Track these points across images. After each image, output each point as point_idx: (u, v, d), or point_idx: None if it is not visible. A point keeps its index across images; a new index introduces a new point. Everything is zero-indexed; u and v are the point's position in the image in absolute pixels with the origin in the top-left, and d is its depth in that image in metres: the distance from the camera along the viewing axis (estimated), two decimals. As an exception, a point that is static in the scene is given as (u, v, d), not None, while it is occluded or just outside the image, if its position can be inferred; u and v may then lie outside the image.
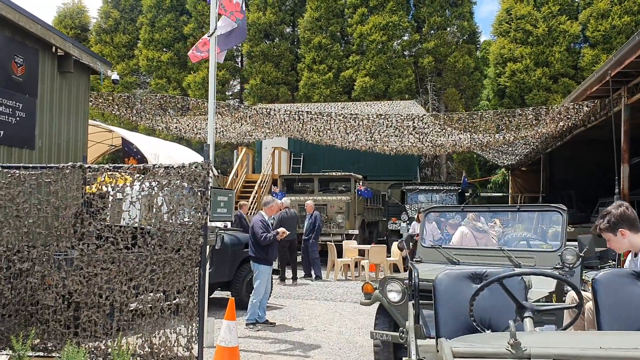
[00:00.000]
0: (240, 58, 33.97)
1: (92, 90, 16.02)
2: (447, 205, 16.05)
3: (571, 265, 5.76)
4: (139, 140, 18.63)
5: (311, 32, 30.93)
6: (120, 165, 6.81)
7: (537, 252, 6.27)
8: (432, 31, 30.71)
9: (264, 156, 25.02)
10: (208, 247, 6.38)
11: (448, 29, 30.81)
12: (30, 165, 7.12)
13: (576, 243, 5.91)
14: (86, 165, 6.83)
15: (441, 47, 30.17)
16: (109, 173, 6.72)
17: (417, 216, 11.14)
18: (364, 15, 30.60)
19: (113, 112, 13.83)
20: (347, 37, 32.06)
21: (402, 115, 11.70)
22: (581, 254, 5.72)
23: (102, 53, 33.36)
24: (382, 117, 11.68)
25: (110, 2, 34.73)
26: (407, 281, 5.23)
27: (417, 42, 30.87)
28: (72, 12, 36.58)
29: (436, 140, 12.68)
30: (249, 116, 12.26)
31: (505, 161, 23.92)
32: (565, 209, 6.14)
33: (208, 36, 8.21)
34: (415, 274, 3.46)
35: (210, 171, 6.49)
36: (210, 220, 6.58)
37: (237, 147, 25.34)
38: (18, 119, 10.05)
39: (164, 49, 32.32)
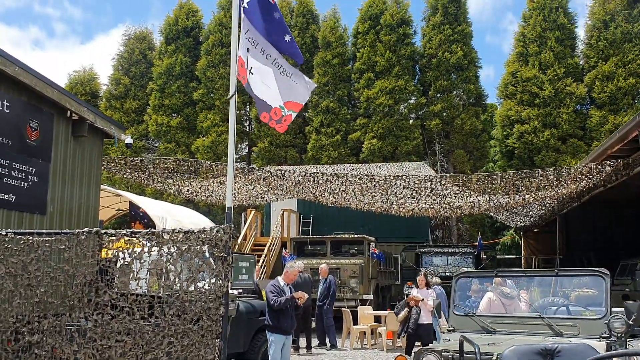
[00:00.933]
0: (248, 122, 34.25)
1: (105, 155, 16.07)
2: (469, 269, 15.62)
3: (620, 334, 5.38)
4: (146, 204, 18.42)
5: (319, 96, 31.30)
6: (138, 230, 6.54)
7: (580, 319, 5.88)
8: (438, 94, 31.02)
9: (272, 218, 24.75)
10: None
11: (454, 92, 31.11)
12: (44, 231, 6.86)
13: (623, 310, 5.54)
14: (102, 231, 6.56)
15: (448, 110, 30.40)
16: (126, 239, 6.44)
17: (418, 281, 10.70)
18: (370, 80, 31.03)
19: (125, 176, 13.68)
20: (354, 100, 32.43)
21: (419, 177, 11.50)
22: (630, 322, 5.35)
23: (112, 118, 33.59)
24: (399, 178, 11.48)
25: (121, 69, 35.38)
26: (450, 354, 4.85)
27: (423, 105, 31.14)
28: (83, 79, 37.23)
29: (454, 202, 12.43)
30: (263, 178, 12.07)
31: (518, 222, 23.56)
32: (608, 272, 5.81)
33: (228, 98, 8.10)
34: (477, 350, 3.12)
35: (232, 236, 6.20)
36: (231, 288, 6.25)
37: (245, 210, 25.11)
38: (30, 183, 9.87)
39: (173, 114, 32.66)
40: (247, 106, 33.68)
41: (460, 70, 31.01)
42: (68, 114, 11.07)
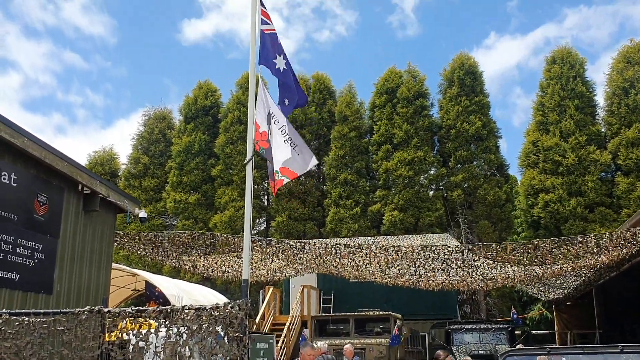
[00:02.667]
0: (266, 197, 33.91)
1: (117, 230, 15.60)
2: (503, 346, 14.50)
3: None
4: (162, 283, 17.74)
5: (337, 169, 31.02)
6: (144, 308, 5.86)
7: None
8: (459, 165, 30.56)
9: (291, 295, 23.81)
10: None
11: (475, 162, 30.63)
12: (42, 310, 6.21)
13: None
14: (105, 310, 5.89)
15: (469, 180, 29.82)
16: (131, 318, 5.76)
17: None
18: (388, 152, 30.78)
19: (139, 252, 13.11)
20: (372, 172, 32.08)
21: (449, 247, 10.76)
22: None
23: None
24: (428, 249, 10.74)
25: (140, 148, 35.64)
26: None
27: (444, 176, 30.65)
28: (102, 159, 37.51)
29: (487, 274, 11.61)
30: (282, 251, 11.41)
31: (550, 295, 22.34)
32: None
33: (245, 163, 7.63)
34: None
35: (248, 313, 5.51)
36: (248, 373, 5.49)
37: (263, 287, 24.24)
38: (36, 261, 9.31)
39: (192, 191, 32.49)
40: (265, 181, 33.43)
41: (479, 140, 30.67)
42: (79, 187, 10.66)
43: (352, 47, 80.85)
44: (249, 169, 7.41)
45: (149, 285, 18.79)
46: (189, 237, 12.03)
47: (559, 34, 76.67)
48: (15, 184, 8.91)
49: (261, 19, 8.20)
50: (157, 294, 18.08)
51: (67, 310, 6.05)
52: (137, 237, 12.29)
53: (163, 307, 5.74)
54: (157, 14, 79.35)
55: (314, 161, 8.16)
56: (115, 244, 13.93)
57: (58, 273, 9.84)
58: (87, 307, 5.92)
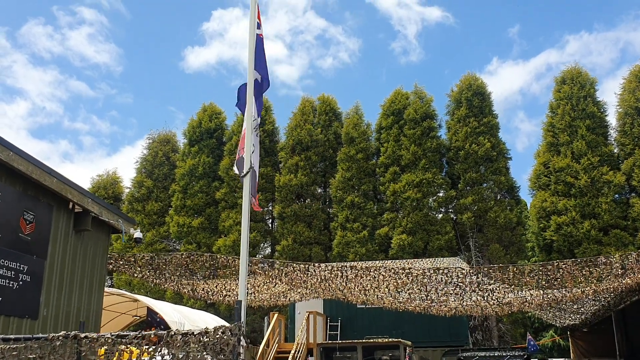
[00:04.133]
0: (271, 220, 33.27)
1: (113, 252, 14.96)
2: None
3: None
4: (163, 309, 17.06)
5: (343, 191, 30.40)
6: (124, 333, 5.22)
7: None
8: (468, 187, 29.87)
9: (297, 322, 22.99)
10: None
11: (484, 184, 29.94)
12: (11, 336, 5.57)
13: None
14: (82, 335, 5.25)
15: (479, 203, 29.10)
16: (110, 344, 5.12)
17: None
18: (396, 174, 30.17)
19: (136, 276, 12.47)
20: (380, 195, 31.43)
21: (463, 269, 10.07)
22: None
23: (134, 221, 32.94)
24: (441, 272, 10.06)
25: (144, 172, 35.19)
26: None
27: (453, 198, 29.96)
28: (106, 183, 37.07)
29: (503, 298, 10.88)
30: (285, 274, 10.75)
31: (566, 321, 21.43)
32: None
33: (242, 176, 7.04)
34: None
35: (242, 338, 4.86)
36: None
37: (267, 314, 23.45)
38: (21, 283, 8.67)
39: (195, 215, 31.90)
40: (270, 204, 32.85)
41: (489, 162, 30.03)
42: (70, 205, 10.08)
43: (355, 73, 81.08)
44: (246, 182, 6.84)
45: (151, 312, 18.10)
46: (187, 259, 11.39)
47: (561, 60, 76.70)
48: (-1, 201, 8.34)
49: (257, 22, 7.73)
50: (158, 320, 17.43)
51: (40, 335, 5.42)
52: (133, 259, 11.68)
53: (145, 333, 5.10)
54: (162, 43, 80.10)
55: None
56: (110, 266, 13.34)
57: (45, 296, 9.20)
58: (62, 333, 5.29)
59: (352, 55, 77.33)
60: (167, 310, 17.11)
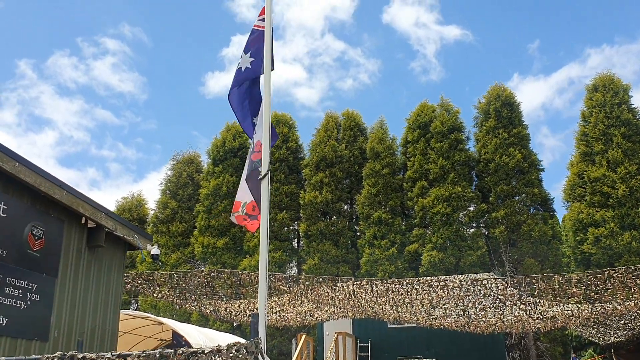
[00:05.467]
0: (297, 239, 32.61)
1: (133, 268, 14.46)
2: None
3: None
4: (188, 332, 16.49)
5: (370, 207, 29.63)
6: (126, 353, 4.59)
7: None
8: (500, 200, 28.87)
9: (325, 344, 22.18)
10: None
11: (516, 197, 28.90)
12: (3, 358, 4.99)
13: None
14: (80, 356, 4.64)
15: (512, 216, 28.06)
16: (110, 366, 4.51)
17: None
18: (424, 188, 29.33)
19: (155, 295, 11.90)
20: (408, 210, 30.57)
21: (503, 281, 9.26)
22: None
23: (159, 243, 32.70)
24: (479, 283, 9.25)
25: (168, 193, 34.95)
26: None
27: (484, 213, 28.95)
28: (131, 205, 36.94)
29: (547, 312, 10.00)
30: (311, 289, 10.05)
31: (611, 338, 20.21)
32: None
33: (260, 178, 6.43)
34: None
35: (260, 357, 4.19)
36: None
37: (295, 335, 22.70)
38: (29, 302, 8.13)
39: (220, 235, 31.40)
40: (295, 223, 32.21)
41: (521, 173, 29.03)
42: (82, 220, 9.58)
43: (376, 94, 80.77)
44: (265, 185, 6.23)
45: (176, 335, 17.57)
46: (208, 276, 10.79)
47: (583, 74, 75.23)
48: (4, 215, 7.84)
49: (263, 17, 7.22)
50: (183, 343, 16.92)
51: (34, 357, 4.83)
52: (151, 278, 11.11)
53: (149, 352, 4.47)
54: (183, 69, 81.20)
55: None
56: (129, 286, 12.83)
57: (56, 317, 8.65)
58: (58, 353, 4.68)
59: (372, 76, 77.12)
60: (192, 333, 16.56)
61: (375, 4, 76.94)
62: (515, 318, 10.26)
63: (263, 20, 7.40)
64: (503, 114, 30.16)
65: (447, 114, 31.16)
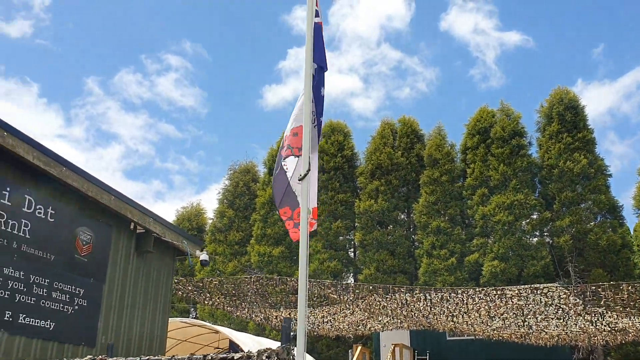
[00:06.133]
0: (353, 249, 32.21)
1: (191, 276, 14.46)
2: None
3: None
4: (244, 341, 16.39)
5: (428, 216, 28.91)
6: (156, 359, 4.40)
7: None
8: (565, 208, 27.57)
9: (382, 355, 21.68)
10: None
11: (582, 204, 27.54)
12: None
13: None
14: (109, 360, 4.48)
15: (577, 224, 26.72)
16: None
17: None
18: (484, 196, 28.37)
19: (206, 302, 11.82)
20: (468, 219, 29.62)
21: (566, 289, 8.63)
22: None
23: (216, 252, 33.08)
24: (539, 291, 8.66)
25: (226, 202, 35.33)
26: None
27: (548, 221, 27.71)
28: (190, 214, 37.61)
29: (616, 324, 9.26)
30: (361, 298, 9.69)
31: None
32: None
33: (299, 180, 6.16)
34: None
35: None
36: None
37: (351, 346, 22.28)
38: (77, 308, 8.14)
39: (276, 244, 31.40)
40: (351, 232, 31.83)
41: (586, 179, 27.66)
42: (131, 225, 9.60)
43: (434, 102, 79.42)
44: (304, 186, 5.95)
45: (232, 344, 17.51)
46: (257, 283, 10.60)
47: (651, 78, 71.41)
48: (52, 219, 7.89)
49: (315, 10, 6.95)
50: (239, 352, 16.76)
51: (64, 361, 4.72)
52: (201, 284, 11.03)
53: (179, 357, 4.25)
54: (242, 83, 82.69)
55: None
56: (179, 292, 12.83)
57: (103, 322, 8.64)
58: (88, 357, 4.54)
59: (430, 84, 75.92)
60: (247, 342, 16.44)
61: (432, 12, 75.87)
62: (580, 329, 9.55)
63: (318, 15, 7.16)
64: (567, 117, 28.90)
65: (507, 118, 30.12)
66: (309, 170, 6.13)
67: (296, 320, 10.09)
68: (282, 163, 6.36)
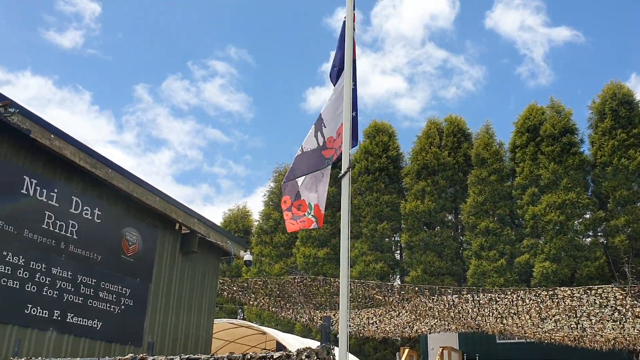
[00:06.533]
0: (399, 250, 31.86)
1: (236, 276, 14.54)
2: None
3: None
4: (291, 342, 16.37)
5: (476, 217, 28.31)
6: (196, 357, 4.38)
7: None
8: (619, 207, 26.53)
9: (430, 358, 21.32)
10: None
11: (638, 203, 26.44)
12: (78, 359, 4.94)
13: None
14: (150, 359, 4.49)
15: (634, 224, 25.66)
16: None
17: None
18: (534, 195, 27.57)
19: (251, 303, 11.85)
20: (517, 219, 28.86)
21: (623, 291, 8.23)
22: None
23: (262, 253, 33.29)
24: (593, 292, 8.29)
25: (271, 204, 35.51)
26: None
27: (602, 220, 26.72)
28: (236, 217, 37.99)
29: (678, 326, 8.78)
30: (406, 299, 9.50)
31: None
32: None
33: (340, 176, 6.04)
34: None
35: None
36: None
37: (398, 349, 22.00)
38: (123, 307, 8.25)
39: (321, 246, 31.35)
40: (397, 234, 31.49)
41: (643, 176, 26.55)
42: (176, 226, 9.70)
43: (481, 101, 77.92)
44: (345, 183, 5.84)
45: (280, 345, 17.54)
46: (301, 284, 10.54)
47: None
48: (99, 220, 8.03)
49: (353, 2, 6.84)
50: (286, 353, 16.76)
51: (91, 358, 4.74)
52: (246, 284, 11.04)
53: (219, 356, 4.21)
54: (285, 87, 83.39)
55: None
56: (225, 293, 12.89)
57: (149, 322, 8.75)
58: (129, 356, 4.55)
59: (477, 83, 74.55)
60: (294, 344, 16.42)
61: (477, 10, 74.50)
62: (638, 332, 9.10)
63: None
64: (621, 113, 27.82)
65: (558, 115, 29.22)
66: (349, 167, 6.03)
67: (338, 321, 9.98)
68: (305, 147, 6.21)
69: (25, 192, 6.97)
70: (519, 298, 8.87)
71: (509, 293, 8.93)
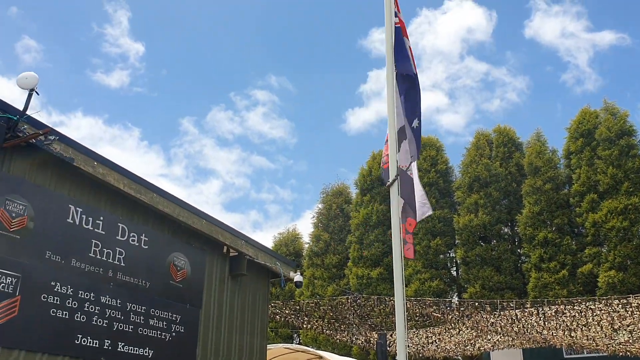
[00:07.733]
0: (455, 267, 31.00)
1: (291, 299, 14.33)
2: None
3: None
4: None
5: (533, 228, 27.28)
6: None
7: None
8: (689, 209, 25.12)
9: (495, 377, 20.45)
10: None
11: None
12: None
13: None
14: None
15: None
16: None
17: None
18: (594, 202, 26.39)
19: (304, 326, 11.55)
20: (577, 228, 27.68)
21: None
22: None
23: (314, 276, 33.04)
24: (672, 299, 7.64)
25: (320, 226, 35.31)
26: None
27: (670, 224, 25.33)
28: (287, 239, 37.93)
29: None
30: (466, 315, 9.02)
31: None
32: None
33: (388, 185, 5.76)
34: None
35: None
36: None
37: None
38: (174, 334, 8.09)
39: (374, 265, 30.83)
40: (452, 250, 30.69)
41: None
42: (224, 249, 9.54)
43: (526, 111, 76.12)
44: (394, 192, 5.54)
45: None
46: (354, 304, 10.19)
47: None
48: (146, 246, 7.93)
49: (394, 11, 6.59)
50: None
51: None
52: (298, 307, 10.77)
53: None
54: (325, 110, 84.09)
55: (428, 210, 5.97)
56: (277, 317, 12.62)
57: (201, 348, 8.55)
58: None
59: (521, 94, 72.97)
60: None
61: (515, 20, 73.28)
62: None
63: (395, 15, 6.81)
64: (682, 111, 26.53)
65: (613, 118, 28.03)
66: (397, 176, 5.73)
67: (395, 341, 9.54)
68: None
69: (71, 221, 6.93)
70: (588, 308, 8.27)
71: (576, 304, 8.35)
